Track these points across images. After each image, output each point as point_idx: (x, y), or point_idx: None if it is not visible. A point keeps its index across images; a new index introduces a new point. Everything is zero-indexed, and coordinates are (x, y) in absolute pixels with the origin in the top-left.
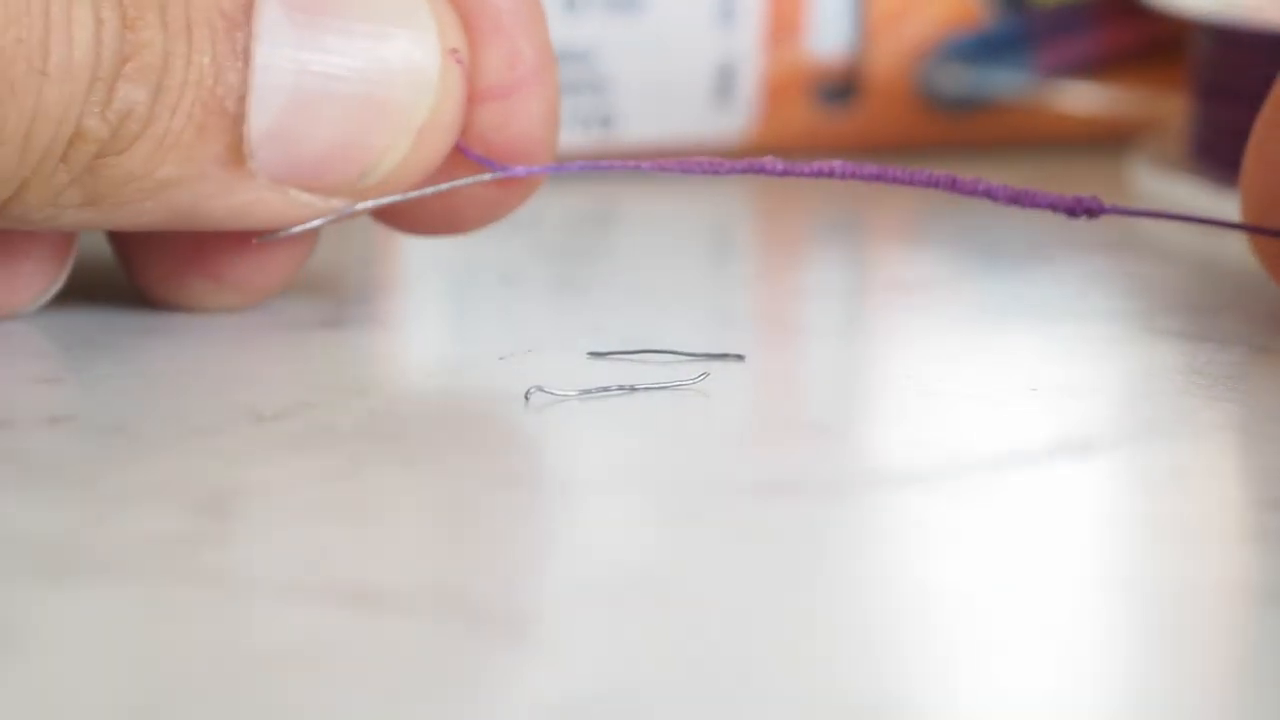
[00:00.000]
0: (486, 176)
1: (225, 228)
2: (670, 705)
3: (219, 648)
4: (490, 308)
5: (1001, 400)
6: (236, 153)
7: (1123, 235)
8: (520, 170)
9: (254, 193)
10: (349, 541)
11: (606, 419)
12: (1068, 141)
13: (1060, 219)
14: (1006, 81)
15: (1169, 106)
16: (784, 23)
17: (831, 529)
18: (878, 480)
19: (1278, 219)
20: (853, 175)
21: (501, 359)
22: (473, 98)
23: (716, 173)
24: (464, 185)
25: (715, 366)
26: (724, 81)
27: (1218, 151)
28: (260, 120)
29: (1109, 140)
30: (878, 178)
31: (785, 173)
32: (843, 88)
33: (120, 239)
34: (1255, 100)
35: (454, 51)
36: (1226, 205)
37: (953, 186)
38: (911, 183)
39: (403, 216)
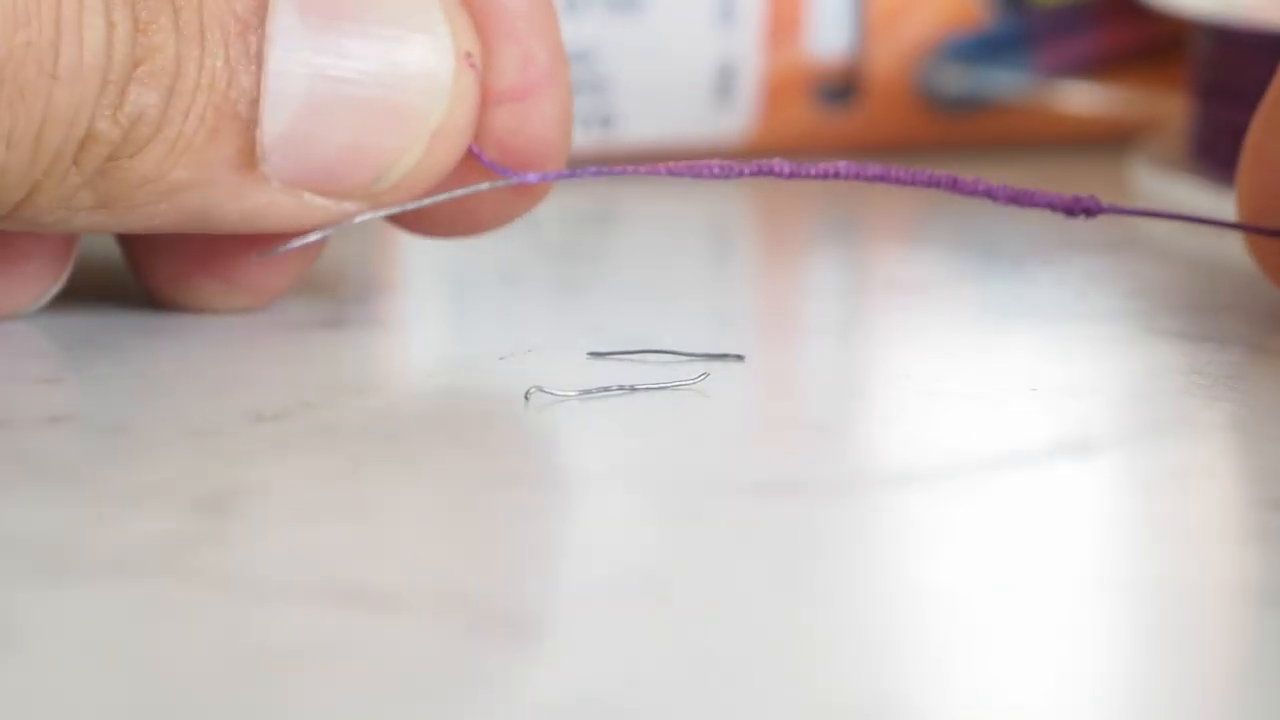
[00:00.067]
0: (499, 183)
1: (237, 231)
2: (670, 705)
3: (219, 648)
4: (490, 308)
5: (1001, 400)
6: (249, 156)
7: (1123, 235)
8: (533, 177)
9: (266, 196)
10: (349, 541)
11: (606, 419)
12: (1068, 141)
13: (1060, 219)
14: (1006, 81)
15: (1169, 106)
16: (784, 23)
17: (831, 529)
18: (877, 480)
19: (1274, 219)
20: (857, 176)
21: (501, 359)
22: (486, 101)
23: (727, 177)
24: (477, 193)
25: (715, 366)
26: (724, 81)
27: (1218, 151)
28: (273, 124)
29: (1109, 140)
30: (881, 178)
31: (793, 175)
32: (843, 88)
33: (129, 240)
34: (1255, 100)
35: (468, 55)
36: (1226, 205)
37: (954, 187)
38: (913, 183)
39: (415, 218)
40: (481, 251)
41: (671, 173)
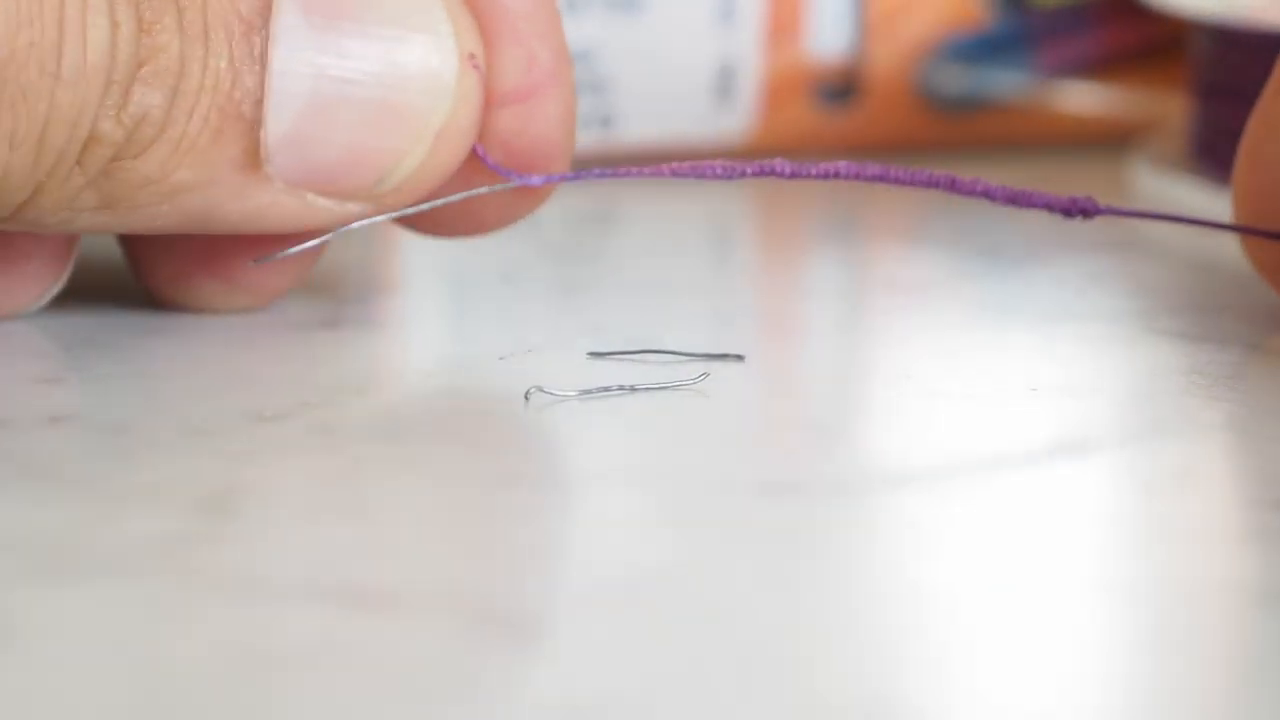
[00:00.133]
0: (501, 186)
1: (241, 231)
2: (670, 705)
3: (218, 647)
4: (490, 308)
5: (1001, 400)
6: (253, 157)
7: (1123, 235)
8: (537, 180)
9: (270, 197)
10: (349, 541)
11: (606, 419)
12: (1068, 141)
13: (1059, 219)
14: (1006, 81)
15: (1169, 106)
16: (784, 23)
17: (831, 529)
18: (877, 480)
19: (1270, 220)
20: (857, 176)
21: (501, 359)
22: (490, 102)
23: (730, 177)
24: (481, 194)
25: (715, 366)
26: (724, 81)
27: (1218, 151)
28: (277, 125)
29: (1109, 140)
30: (881, 178)
31: (794, 175)
32: (843, 88)
33: (130, 240)
34: (1255, 100)
35: (471, 56)
36: (1226, 205)
37: (952, 187)
38: (912, 183)
39: (419, 219)
40: (482, 252)
41: (675, 174)
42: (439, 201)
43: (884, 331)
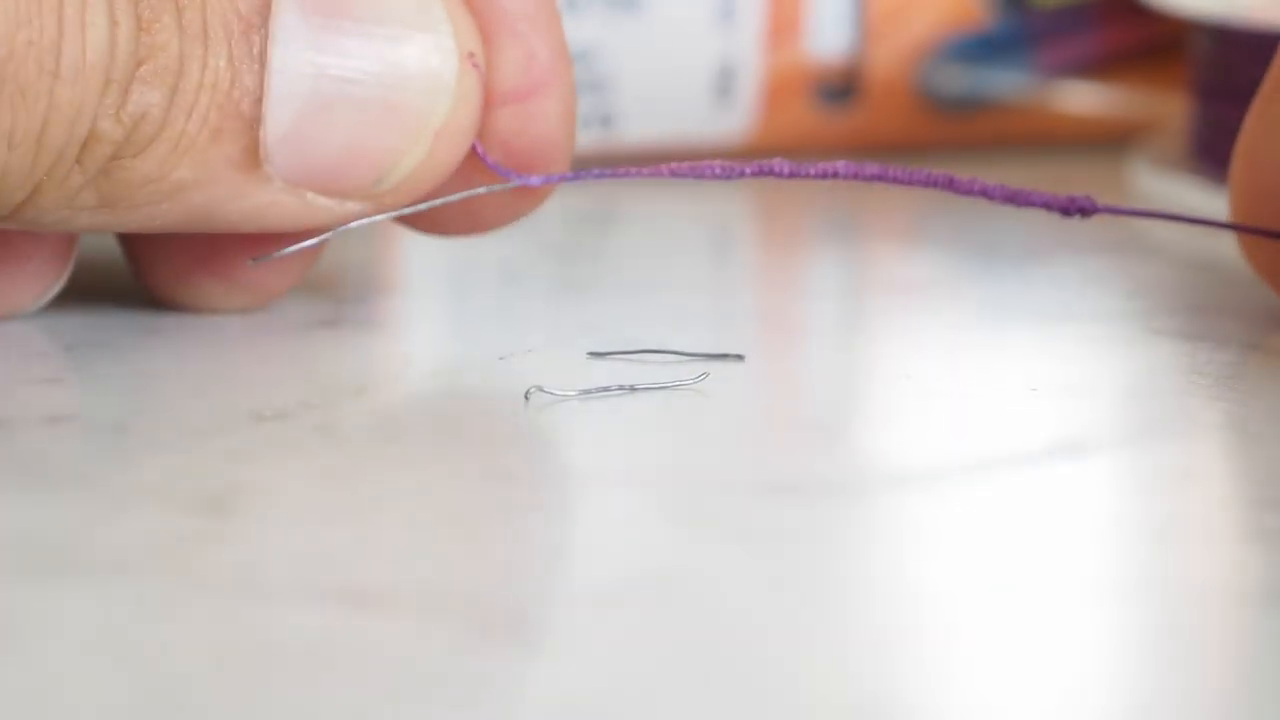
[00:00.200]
0: (500, 186)
1: (240, 230)
2: (669, 705)
3: (218, 647)
4: (490, 308)
5: (1001, 400)
6: (252, 156)
7: (1122, 236)
8: (536, 180)
9: (269, 196)
10: (349, 541)
11: (606, 419)
12: (1068, 141)
13: (1059, 219)
14: (1006, 81)
15: (1169, 106)
16: (784, 23)
17: (831, 529)
18: (877, 480)
19: (1266, 220)
20: (855, 176)
21: (501, 359)
22: (489, 101)
23: (729, 177)
24: (481, 194)
25: (715, 366)
26: (724, 81)
27: (1218, 151)
28: (276, 124)
29: (1109, 140)
30: (879, 178)
31: (793, 175)
32: (843, 88)
33: (130, 239)
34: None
35: (471, 55)
36: (1225, 205)
37: (950, 186)
38: (910, 182)
39: (419, 218)
40: (481, 251)
41: (674, 174)
42: (438, 201)
43: (884, 331)
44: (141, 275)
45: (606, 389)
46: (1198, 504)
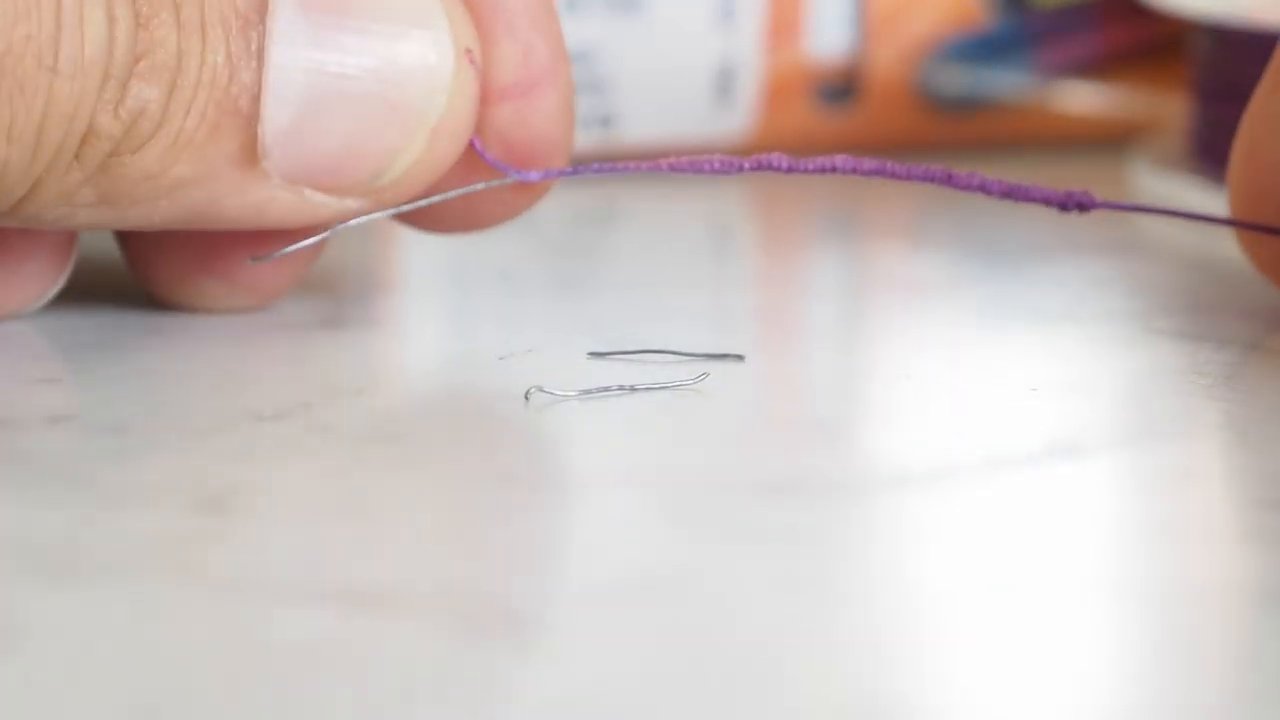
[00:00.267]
0: (498, 182)
1: (239, 227)
2: (669, 705)
3: (219, 648)
4: (490, 307)
5: (1001, 400)
6: (250, 152)
7: (1122, 235)
8: (534, 175)
9: (267, 192)
10: (349, 541)
11: (606, 419)
12: (1068, 141)
13: (1059, 219)
14: (1006, 81)
15: (1169, 106)
16: (784, 23)
17: (831, 529)
18: (877, 480)
19: (1265, 217)
20: (854, 170)
21: (501, 359)
22: (488, 97)
23: (727, 172)
24: (479, 190)
25: (715, 366)
26: (724, 81)
27: (1218, 151)
28: (275, 120)
29: (1109, 140)
30: (878, 173)
31: (790, 169)
32: (843, 88)
33: (130, 241)
34: None
35: (468, 52)
36: (1225, 204)
37: (949, 181)
38: (909, 177)
39: (417, 214)
40: (481, 250)
41: (673, 168)
42: (437, 198)
43: (884, 331)
44: (141, 275)
45: (606, 389)
46: (1198, 504)
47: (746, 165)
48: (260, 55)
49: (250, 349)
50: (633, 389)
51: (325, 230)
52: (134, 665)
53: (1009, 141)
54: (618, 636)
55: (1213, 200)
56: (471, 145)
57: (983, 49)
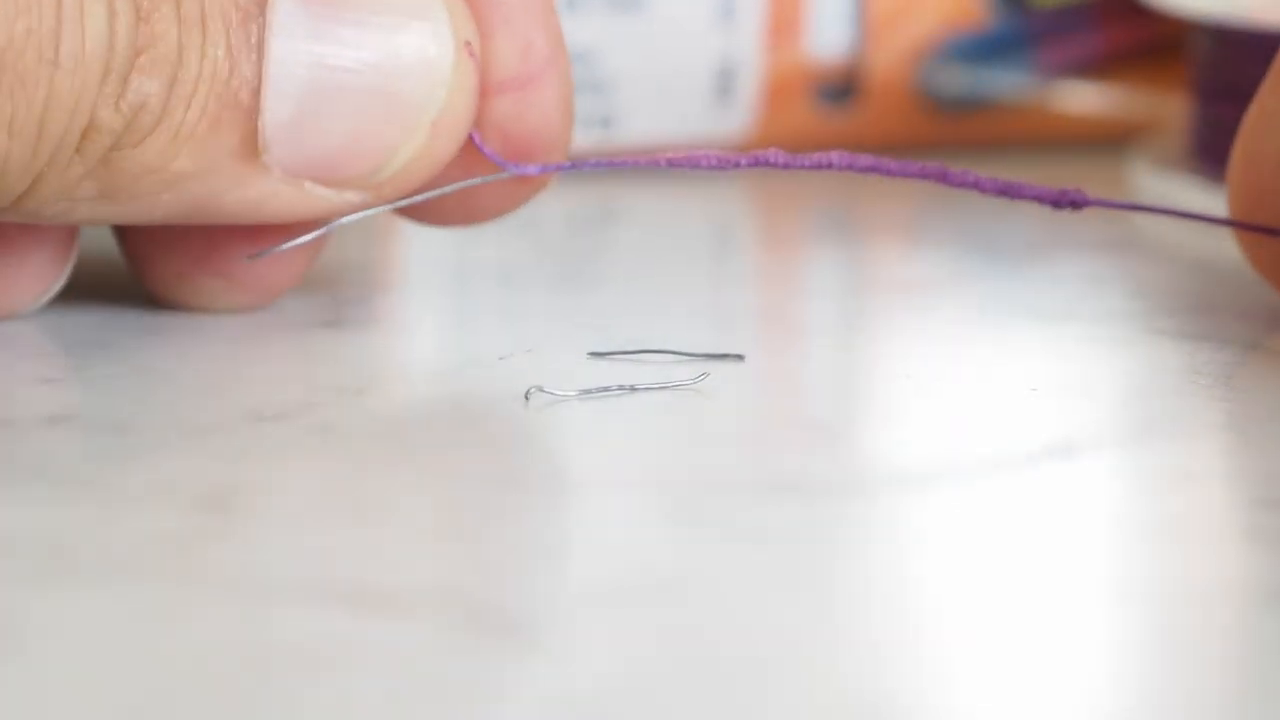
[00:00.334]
0: (495, 176)
1: (239, 221)
2: (669, 705)
3: (219, 648)
4: (490, 307)
5: (1001, 400)
6: (251, 146)
7: (1123, 235)
8: (532, 169)
9: (269, 186)
10: (349, 541)
11: (606, 419)
12: (1068, 141)
13: (1060, 218)
14: (1006, 81)
15: (1169, 106)
16: (784, 23)
17: (831, 529)
18: (877, 480)
19: (1264, 218)
20: (849, 167)
21: (501, 359)
22: (487, 90)
23: (723, 167)
24: (477, 184)
25: (715, 366)
26: (724, 81)
27: (1218, 151)
28: (275, 113)
29: (1109, 140)
30: (873, 169)
31: (787, 165)
32: (843, 88)
33: (130, 240)
34: None
35: (467, 44)
36: (1224, 205)
37: (943, 178)
38: (904, 174)
39: (418, 208)
40: (481, 250)
41: (670, 164)
42: (436, 192)
43: (884, 330)
44: (141, 274)
45: (606, 389)
46: (1198, 504)
47: (743, 161)
48: (260, 49)
49: (250, 349)
50: (633, 389)
51: (324, 225)
52: (134, 665)
53: (1009, 141)
54: (618, 636)
55: (1212, 200)
56: (470, 139)
57: (983, 49)
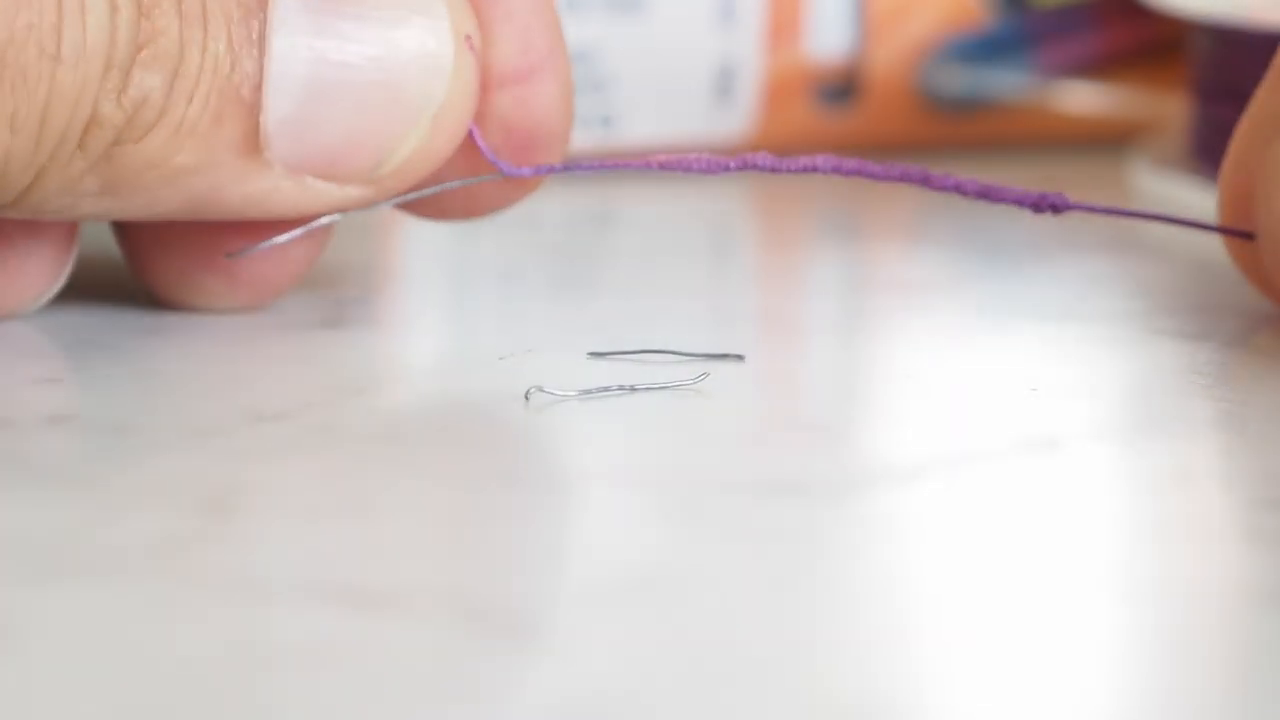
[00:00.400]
0: (490, 176)
1: (241, 216)
2: (669, 705)
3: (219, 648)
4: (490, 307)
5: (1001, 400)
6: (253, 141)
7: (1122, 235)
8: (527, 171)
9: (270, 181)
10: (349, 541)
11: (606, 419)
12: (1068, 141)
13: (1061, 219)
14: (1006, 81)
15: (1169, 106)
16: (784, 23)
17: (831, 529)
18: (878, 480)
19: (1249, 220)
20: (835, 170)
21: (501, 359)
22: (487, 85)
23: (713, 171)
24: (474, 183)
25: (715, 366)
26: (724, 81)
27: (1218, 151)
28: (276, 108)
29: (1109, 140)
30: (857, 172)
31: (774, 169)
32: (843, 88)
33: (130, 238)
34: None
35: (468, 38)
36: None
37: (925, 181)
38: (887, 177)
39: (416, 203)
40: (481, 250)
41: (662, 166)
42: (429, 190)
43: (884, 331)
44: (141, 273)
45: (606, 389)
46: (1198, 504)
47: (732, 165)
48: (261, 43)
49: (250, 349)
50: (633, 389)
51: (324, 219)
52: (134, 665)
53: (1009, 142)
54: (617, 636)
55: (1211, 201)
56: (470, 135)
57: (983, 49)
